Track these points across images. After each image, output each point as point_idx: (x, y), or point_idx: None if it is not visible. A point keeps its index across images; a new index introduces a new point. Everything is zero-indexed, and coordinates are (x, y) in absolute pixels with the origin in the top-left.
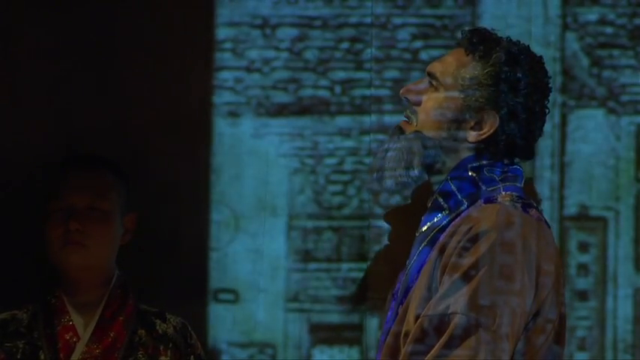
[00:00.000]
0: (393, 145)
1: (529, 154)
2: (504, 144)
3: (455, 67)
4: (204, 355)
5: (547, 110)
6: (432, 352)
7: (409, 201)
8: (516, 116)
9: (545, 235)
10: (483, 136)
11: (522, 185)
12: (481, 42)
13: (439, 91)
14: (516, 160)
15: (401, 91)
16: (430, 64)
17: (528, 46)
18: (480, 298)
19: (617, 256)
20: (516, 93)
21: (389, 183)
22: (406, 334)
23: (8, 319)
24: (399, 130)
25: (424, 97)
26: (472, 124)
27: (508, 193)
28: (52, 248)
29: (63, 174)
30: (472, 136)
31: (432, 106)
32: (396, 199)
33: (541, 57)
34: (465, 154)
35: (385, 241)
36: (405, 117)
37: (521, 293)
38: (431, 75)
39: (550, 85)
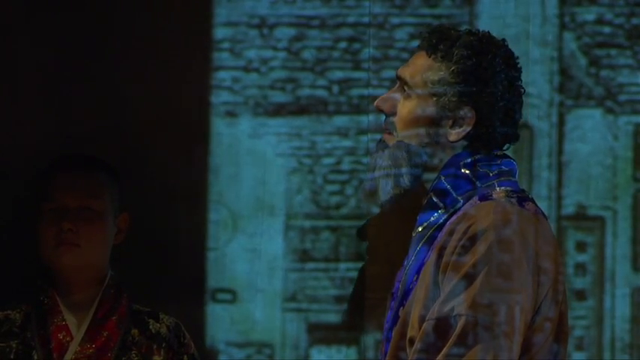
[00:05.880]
0: (380, 160)
1: (514, 138)
2: (487, 136)
3: (421, 70)
4: (197, 355)
5: (522, 90)
6: (440, 355)
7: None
8: (492, 106)
9: (544, 231)
10: (464, 134)
11: (517, 179)
12: (440, 42)
13: (412, 96)
14: (505, 146)
15: (375, 103)
16: (400, 67)
17: (489, 32)
18: (482, 298)
19: (614, 255)
20: (486, 84)
21: (386, 197)
22: (411, 339)
23: (1, 319)
24: (383, 144)
25: (398, 105)
26: (450, 123)
27: (503, 188)
28: (45, 248)
29: (54, 174)
30: (453, 135)
31: (407, 112)
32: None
33: (504, 39)
34: (453, 151)
35: (383, 240)
36: (385, 129)
37: (522, 290)
38: (401, 79)
39: (519, 65)
